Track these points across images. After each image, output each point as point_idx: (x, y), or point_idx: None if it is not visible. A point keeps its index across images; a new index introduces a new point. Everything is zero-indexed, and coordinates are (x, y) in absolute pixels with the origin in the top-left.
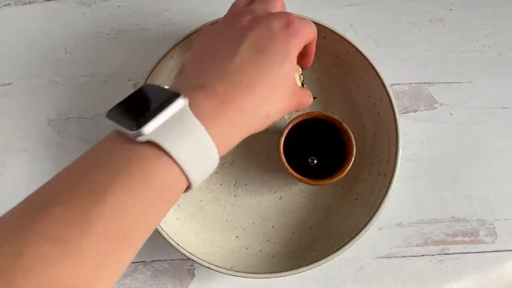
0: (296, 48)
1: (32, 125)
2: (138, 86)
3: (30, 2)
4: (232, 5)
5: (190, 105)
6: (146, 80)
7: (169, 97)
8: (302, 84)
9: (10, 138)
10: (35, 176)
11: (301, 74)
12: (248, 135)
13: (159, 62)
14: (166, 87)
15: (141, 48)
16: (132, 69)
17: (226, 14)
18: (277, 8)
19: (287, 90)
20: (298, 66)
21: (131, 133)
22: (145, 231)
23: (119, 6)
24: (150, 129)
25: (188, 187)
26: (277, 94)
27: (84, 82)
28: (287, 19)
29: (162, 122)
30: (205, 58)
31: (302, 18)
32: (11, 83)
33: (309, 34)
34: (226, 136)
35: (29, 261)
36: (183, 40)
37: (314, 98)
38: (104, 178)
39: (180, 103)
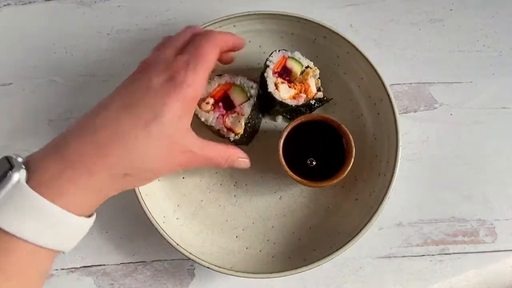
0: (177, 103)
1: (32, 125)
2: None
3: (30, 2)
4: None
5: (34, 174)
6: None
7: (4, 173)
8: (319, 89)
9: (10, 138)
10: None
11: (319, 78)
12: (112, 194)
13: None
14: (19, 158)
15: (141, 48)
16: (132, 69)
17: None
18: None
19: (160, 149)
20: (316, 68)
21: None
22: None
23: (119, 6)
24: None
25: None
26: (141, 153)
27: (84, 82)
28: (171, 74)
29: None
30: (87, 114)
31: (201, 72)
32: (11, 83)
33: (201, 78)
34: (80, 201)
35: None
36: None
37: (330, 99)
38: None
39: (15, 178)
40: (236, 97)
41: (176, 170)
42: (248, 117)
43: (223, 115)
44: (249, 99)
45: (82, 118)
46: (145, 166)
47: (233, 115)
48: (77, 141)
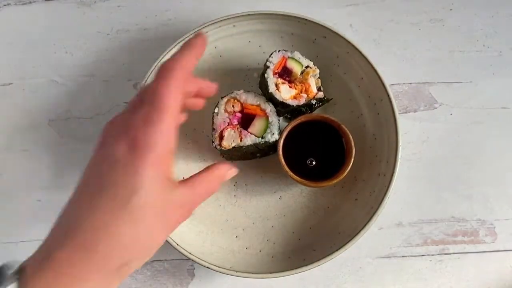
0: (150, 167)
1: (32, 125)
2: (138, 86)
3: (30, 2)
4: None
5: (26, 287)
6: (146, 80)
7: None
8: (319, 89)
9: (10, 138)
10: (35, 176)
11: (319, 77)
12: (115, 286)
13: (159, 62)
14: (15, 266)
15: (141, 48)
16: (132, 69)
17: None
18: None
19: (153, 221)
20: (315, 67)
21: None
22: None
23: (119, 6)
24: None
25: None
26: (131, 237)
27: (84, 82)
28: (129, 139)
29: None
30: (65, 209)
31: (157, 122)
32: (11, 83)
33: (166, 130)
34: None
35: None
36: (182, 40)
37: (331, 99)
38: None
39: None
40: (255, 126)
41: (178, 226)
42: (240, 146)
43: (230, 124)
44: (260, 138)
45: (61, 218)
46: (141, 248)
47: (236, 131)
48: (62, 248)
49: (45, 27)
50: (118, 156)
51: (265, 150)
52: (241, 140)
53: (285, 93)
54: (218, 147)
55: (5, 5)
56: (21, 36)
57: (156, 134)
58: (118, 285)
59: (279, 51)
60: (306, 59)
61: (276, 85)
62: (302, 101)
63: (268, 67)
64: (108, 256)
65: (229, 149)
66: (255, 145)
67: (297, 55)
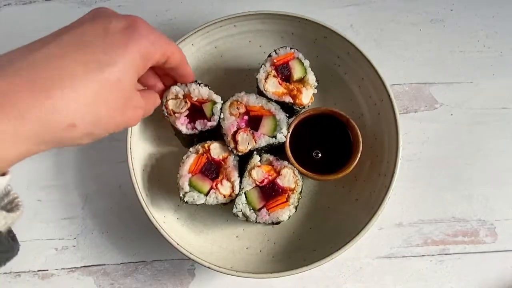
0: (137, 54)
1: None
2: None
3: (30, 2)
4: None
5: None
6: None
7: None
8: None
9: None
10: (35, 176)
11: (313, 94)
12: (46, 148)
13: None
14: None
15: None
16: None
17: None
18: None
19: (115, 100)
20: (315, 84)
21: None
22: None
23: (119, 6)
24: None
25: None
26: (93, 100)
27: None
28: (132, 22)
29: None
30: (27, 44)
31: (161, 34)
32: None
33: (165, 48)
34: (3, 152)
35: None
36: (183, 40)
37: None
38: None
39: None
40: (265, 126)
41: (123, 128)
42: (256, 148)
43: (239, 128)
44: (274, 138)
45: (16, 51)
46: (96, 116)
47: (248, 134)
48: (7, 79)
49: (46, 27)
50: (113, 27)
51: (277, 148)
52: (256, 142)
53: (271, 86)
54: (235, 151)
55: (5, 5)
56: (21, 36)
57: (154, 35)
58: (48, 149)
59: (291, 48)
60: (312, 73)
61: (267, 74)
62: (283, 99)
63: (271, 55)
64: (64, 105)
65: (246, 155)
66: (269, 145)
67: (306, 62)
